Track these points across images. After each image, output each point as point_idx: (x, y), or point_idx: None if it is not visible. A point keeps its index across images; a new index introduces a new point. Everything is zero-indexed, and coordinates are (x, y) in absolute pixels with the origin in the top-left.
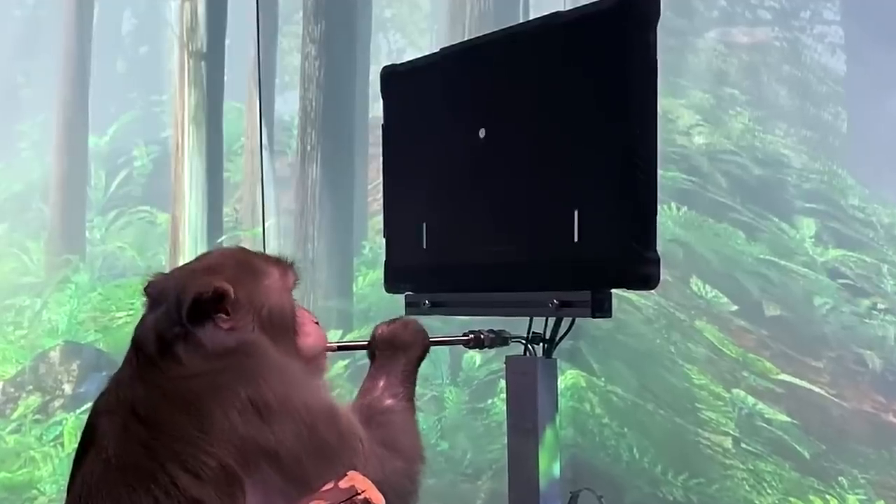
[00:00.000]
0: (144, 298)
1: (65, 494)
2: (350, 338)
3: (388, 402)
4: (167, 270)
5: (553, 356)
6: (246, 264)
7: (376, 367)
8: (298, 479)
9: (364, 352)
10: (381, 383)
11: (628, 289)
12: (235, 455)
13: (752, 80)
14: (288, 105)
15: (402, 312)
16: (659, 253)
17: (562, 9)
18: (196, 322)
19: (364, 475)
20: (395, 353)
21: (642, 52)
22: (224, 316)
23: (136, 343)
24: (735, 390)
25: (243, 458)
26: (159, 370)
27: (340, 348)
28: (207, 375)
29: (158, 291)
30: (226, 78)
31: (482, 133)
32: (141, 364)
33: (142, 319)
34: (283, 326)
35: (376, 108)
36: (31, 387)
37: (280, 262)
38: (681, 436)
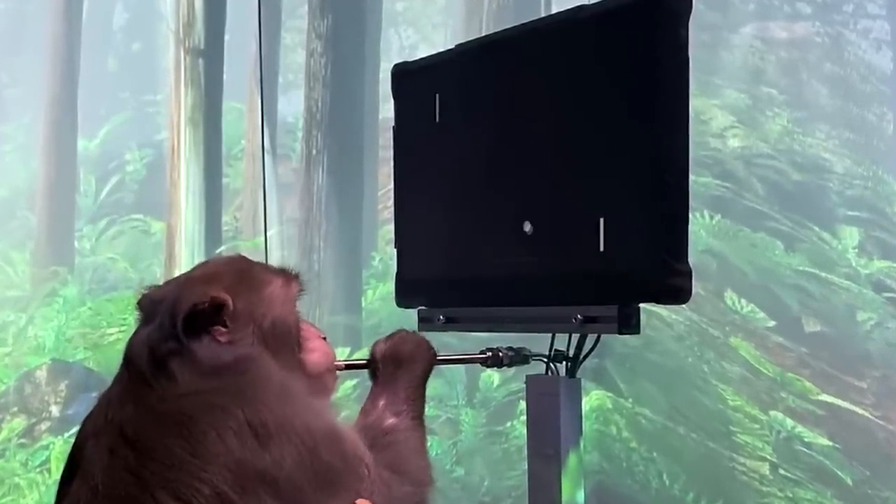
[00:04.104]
0: (138, 313)
1: None
2: (359, 356)
3: (391, 421)
4: (162, 282)
5: (577, 375)
6: (246, 273)
7: (377, 386)
8: None
9: None
10: (382, 402)
11: (658, 303)
12: (231, 481)
13: (790, 79)
14: (292, 105)
15: (415, 328)
16: (691, 264)
17: (586, 2)
18: (192, 335)
19: (372, 503)
20: (398, 369)
21: (673, 48)
22: (222, 329)
23: (128, 359)
24: (772, 412)
25: (239, 484)
26: (151, 388)
27: (346, 367)
28: (202, 395)
29: (152, 304)
30: (225, 76)
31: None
32: (132, 382)
33: (134, 334)
34: (285, 340)
35: (387, 109)
36: (15, 408)
37: (283, 272)
38: (714, 461)
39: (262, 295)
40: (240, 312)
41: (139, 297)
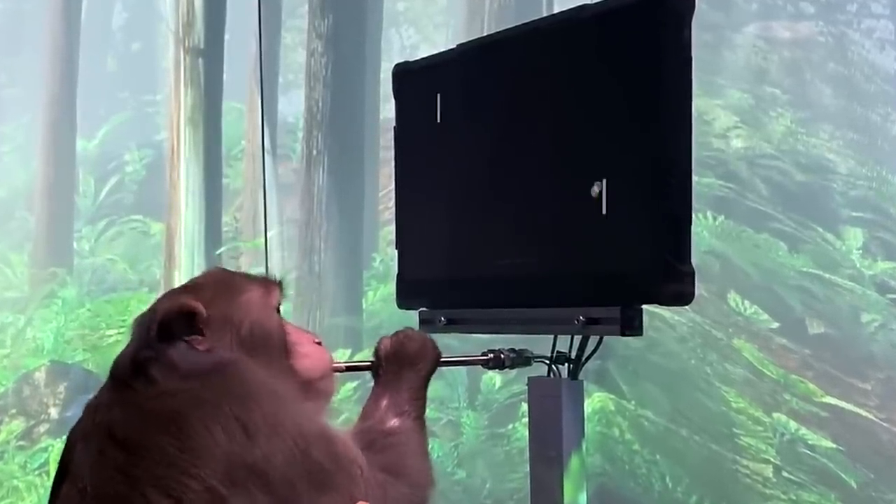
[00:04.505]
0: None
1: None
2: (360, 358)
3: (393, 422)
4: (161, 285)
5: (579, 377)
6: (223, 282)
7: (380, 385)
8: None
9: None
10: (385, 403)
11: (660, 304)
12: (221, 476)
13: (794, 79)
14: (292, 106)
15: (415, 328)
16: (694, 266)
17: (588, 1)
18: (167, 343)
19: None
20: (401, 368)
21: (676, 48)
22: (199, 337)
23: (112, 370)
24: (776, 414)
25: (229, 478)
26: (134, 391)
27: (348, 368)
28: (188, 392)
29: (137, 321)
30: (225, 76)
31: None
32: (116, 388)
33: (121, 351)
34: (266, 345)
35: (388, 109)
36: (14, 410)
37: (262, 280)
38: (717, 464)
39: (239, 301)
40: (215, 319)
41: (133, 319)
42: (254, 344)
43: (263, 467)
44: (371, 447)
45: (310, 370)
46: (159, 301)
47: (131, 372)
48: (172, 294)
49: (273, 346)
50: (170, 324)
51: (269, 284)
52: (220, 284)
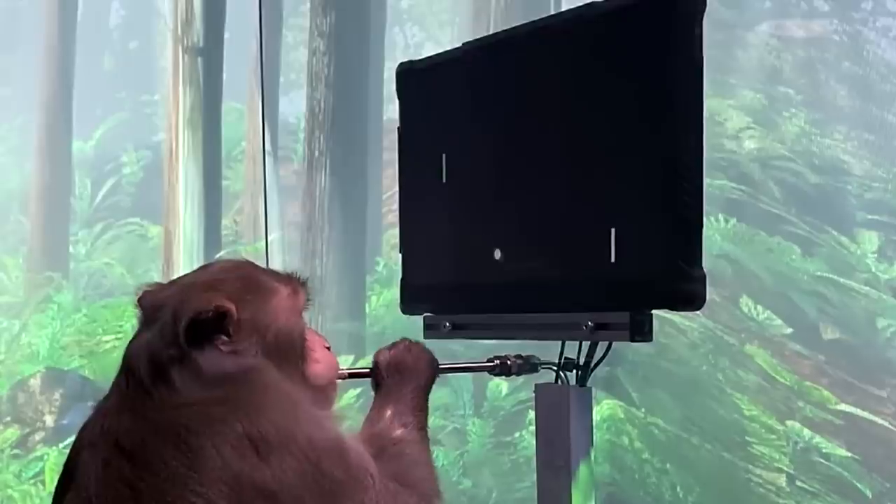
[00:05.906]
0: (137, 311)
1: None
2: (363, 364)
3: (399, 432)
4: (165, 282)
5: (587, 384)
6: (252, 280)
7: (382, 395)
8: None
9: None
10: (389, 412)
11: (671, 310)
12: (229, 496)
13: (808, 79)
14: (293, 106)
15: (420, 335)
16: (705, 270)
17: None
18: (194, 344)
19: None
20: (402, 379)
21: (687, 47)
22: (225, 338)
23: (127, 365)
24: (789, 422)
25: (237, 499)
26: (149, 397)
27: (350, 375)
28: (201, 406)
29: (153, 306)
30: (225, 76)
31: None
32: (130, 390)
33: (134, 337)
34: (289, 352)
35: (391, 110)
36: (8, 418)
37: (290, 280)
38: (729, 472)
39: (268, 305)
40: (244, 322)
41: (140, 294)
42: (277, 350)
43: (273, 487)
44: (381, 455)
45: (319, 377)
46: (185, 293)
47: (149, 373)
48: (199, 288)
49: (294, 352)
50: (200, 324)
51: (297, 286)
52: (248, 283)
